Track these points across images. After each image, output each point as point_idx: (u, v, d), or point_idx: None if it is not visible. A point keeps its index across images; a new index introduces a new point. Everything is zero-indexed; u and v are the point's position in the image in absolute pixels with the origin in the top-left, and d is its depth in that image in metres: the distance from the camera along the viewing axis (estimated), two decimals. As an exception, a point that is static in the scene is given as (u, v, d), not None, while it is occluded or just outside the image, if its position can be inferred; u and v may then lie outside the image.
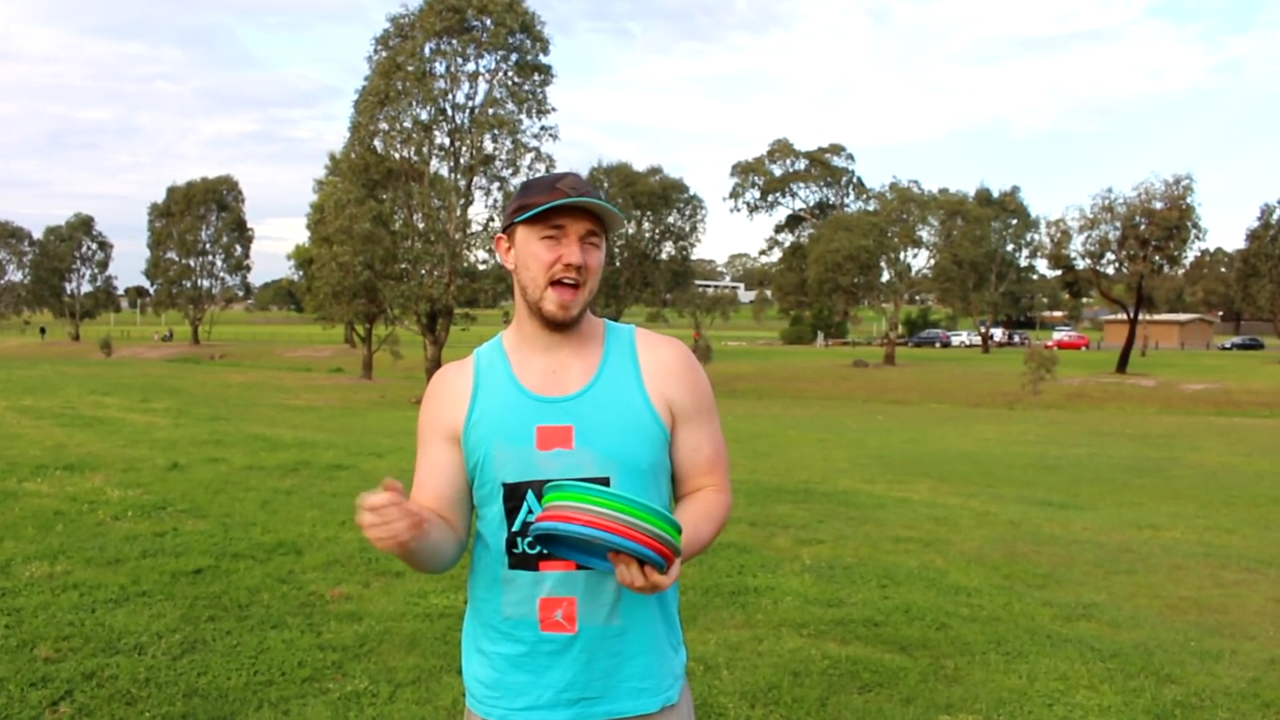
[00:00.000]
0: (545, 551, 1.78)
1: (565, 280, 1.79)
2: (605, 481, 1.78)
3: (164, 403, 22.01)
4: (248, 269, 76.36)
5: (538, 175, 1.86)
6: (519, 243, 1.84)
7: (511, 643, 1.84)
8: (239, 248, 74.46)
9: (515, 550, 1.81)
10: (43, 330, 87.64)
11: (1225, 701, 4.29)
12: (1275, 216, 61.04)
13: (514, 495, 1.80)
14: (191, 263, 72.34)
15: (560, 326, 1.83)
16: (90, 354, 61.52)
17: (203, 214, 71.92)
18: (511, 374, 1.87)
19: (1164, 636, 5.29)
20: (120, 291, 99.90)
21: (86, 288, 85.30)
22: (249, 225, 74.67)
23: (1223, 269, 73.99)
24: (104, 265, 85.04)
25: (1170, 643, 5.17)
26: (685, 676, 1.96)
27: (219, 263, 73.85)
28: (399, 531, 1.62)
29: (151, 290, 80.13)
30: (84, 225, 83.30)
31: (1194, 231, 49.59)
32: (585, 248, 1.80)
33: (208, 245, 72.74)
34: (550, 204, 1.76)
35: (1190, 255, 57.63)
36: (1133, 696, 4.32)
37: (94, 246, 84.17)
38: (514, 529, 1.80)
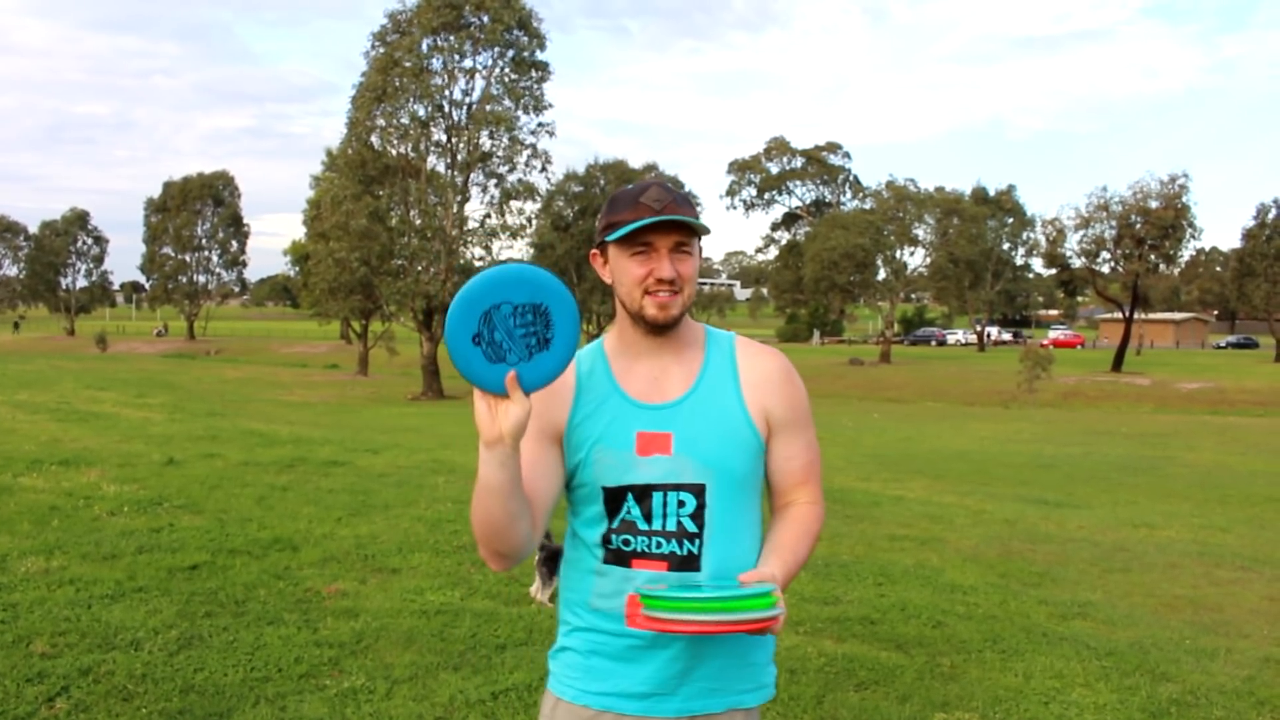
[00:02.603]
0: (641, 550, 1.85)
1: (659, 292, 1.82)
2: (701, 488, 1.83)
3: (160, 398, 21.98)
4: (244, 265, 76.21)
5: (625, 188, 1.88)
6: (612, 259, 1.87)
7: (595, 633, 1.89)
8: (235, 243, 74.23)
9: (610, 546, 1.86)
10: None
11: (1220, 699, 4.31)
12: (1271, 216, 61.04)
13: (614, 498, 1.86)
14: (187, 258, 72.13)
15: (662, 329, 1.86)
16: (85, 349, 61.42)
17: (199, 209, 71.64)
18: (613, 379, 1.90)
19: (1159, 635, 5.31)
20: (116, 287, 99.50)
21: (82, 283, 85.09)
22: (245, 221, 74.55)
23: (1218, 268, 74.09)
24: (99, 260, 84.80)
25: (1165, 641, 5.19)
26: (768, 689, 1.97)
27: (215, 258, 73.67)
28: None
29: (147, 285, 79.92)
30: (79, 220, 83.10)
31: (1189, 231, 49.63)
32: (676, 258, 1.82)
33: (204, 241, 72.47)
34: (634, 225, 1.79)
35: (1186, 254, 57.71)
36: (1128, 694, 4.33)
37: (89, 241, 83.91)
38: (612, 526, 1.86)
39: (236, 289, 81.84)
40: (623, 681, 1.87)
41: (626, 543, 1.85)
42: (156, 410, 17.74)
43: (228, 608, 5.08)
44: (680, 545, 1.83)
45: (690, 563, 1.83)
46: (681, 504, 1.84)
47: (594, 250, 1.93)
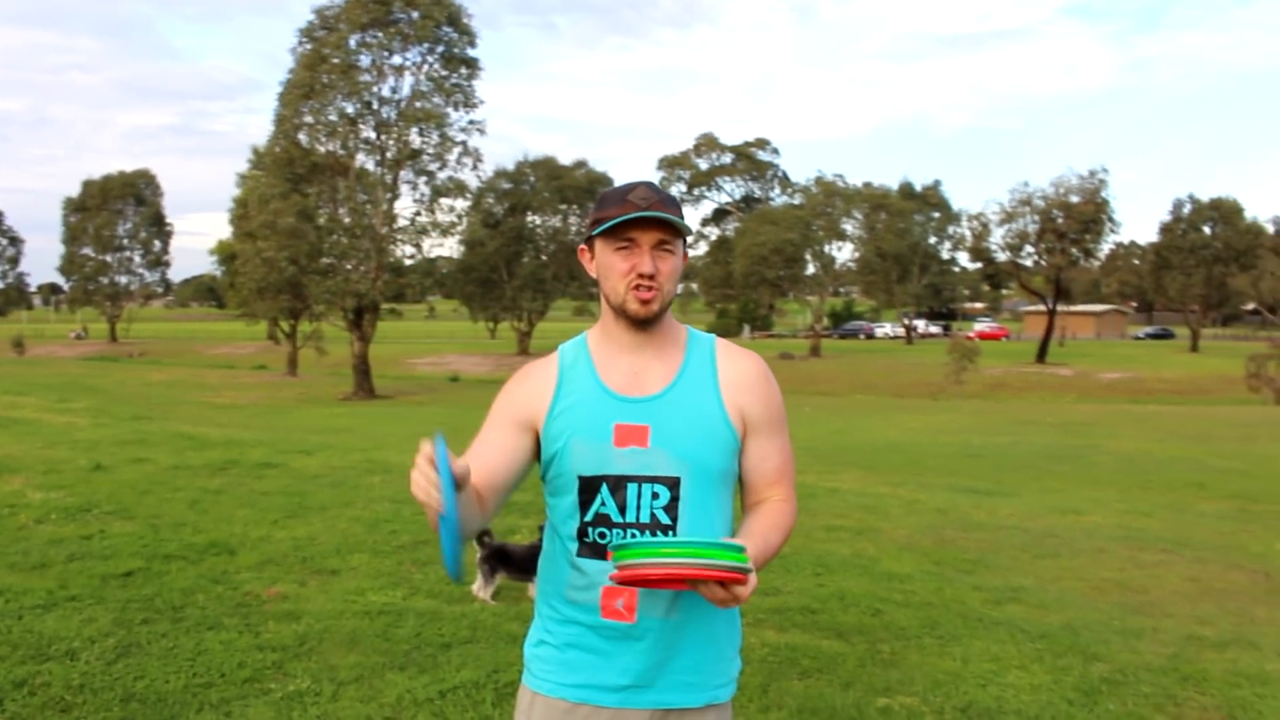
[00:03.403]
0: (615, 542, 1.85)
1: (642, 286, 1.88)
2: (676, 481, 1.87)
3: (83, 402, 21.42)
4: (167, 265, 74.68)
5: (615, 187, 1.96)
6: (598, 254, 1.93)
7: (571, 625, 1.92)
8: (158, 243, 72.70)
9: (586, 539, 1.89)
10: None
11: (1148, 676, 4.46)
12: (1186, 210, 62.91)
13: (588, 488, 1.89)
14: (109, 259, 70.47)
15: (644, 324, 1.92)
16: (1, 353, 59.65)
17: (120, 209, 70.05)
18: (595, 372, 1.95)
19: (1089, 617, 5.47)
20: (33, 288, 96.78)
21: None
22: (168, 220, 73.02)
23: (1136, 261, 76.10)
24: (15, 261, 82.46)
25: (1095, 622, 5.35)
26: (737, 683, 2.04)
27: (137, 259, 72.04)
28: (433, 501, 1.63)
29: (66, 287, 77.89)
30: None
31: (1109, 225, 50.99)
32: (657, 255, 1.88)
33: (125, 241, 70.91)
34: (619, 219, 1.85)
35: (1105, 248, 59.22)
36: (1061, 674, 4.46)
37: (4, 242, 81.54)
38: (586, 519, 1.89)
39: (160, 290, 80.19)
40: (599, 674, 1.90)
41: (602, 535, 1.88)
42: (80, 415, 17.29)
43: (165, 614, 5.00)
44: (654, 537, 1.85)
45: None
46: (656, 496, 1.87)
47: (582, 246, 1.99)
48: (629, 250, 1.88)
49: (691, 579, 1.67)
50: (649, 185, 1.90)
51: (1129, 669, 4.56)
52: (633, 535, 1.87)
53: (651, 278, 1.87)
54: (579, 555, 1.90)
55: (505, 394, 2.00)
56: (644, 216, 1.85)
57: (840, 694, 4.17)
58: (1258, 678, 4.51)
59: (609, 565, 1.85)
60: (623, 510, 1.88)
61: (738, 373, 1.99)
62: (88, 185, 69.89)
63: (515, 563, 5.32)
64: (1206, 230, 62.61)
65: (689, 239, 1.96)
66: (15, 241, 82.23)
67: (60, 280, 79.19)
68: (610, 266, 1.90)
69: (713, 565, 1.64)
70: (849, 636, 4.96)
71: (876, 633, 5.03)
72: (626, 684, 1.89)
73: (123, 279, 71.84)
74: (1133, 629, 5.25)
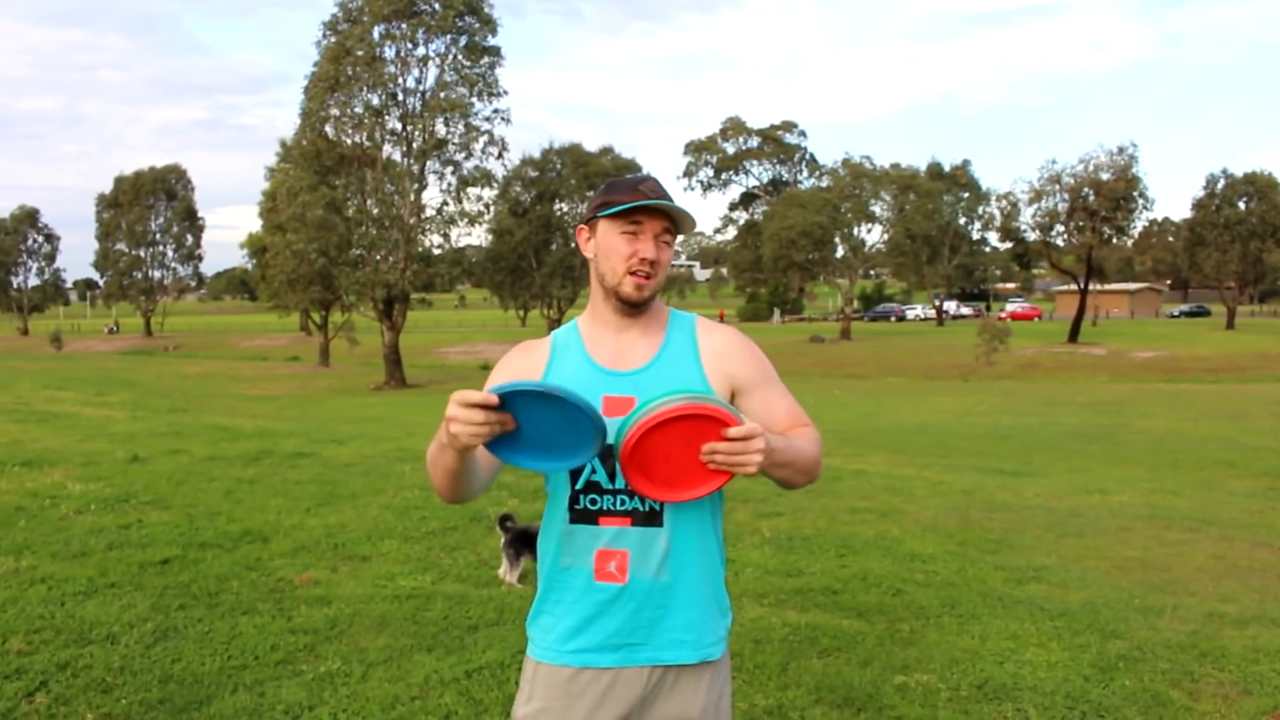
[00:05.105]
0: (606, 508, 1.97)
1: (640, 271, 1.99)
2: None
3: (120, 395, 21.79)
4: (199, 259, 75.46)
5: (622, 176, 2.13)
6: (600, 234, 2.04)
7: (566, 590, 2.02)
8: (190, 237, 73.50)
9: (577, 506, 2.00)
10: None
11: (1166, 653, 4.49)
12: (1219, 186, 62.00)
13: None
14: (142, 254, 71.34)
15: (634, 307, 2.03)
16: (40, 348, 60.53)
17: (151, 204, 70.89)
18: (584, 350, 2.07)
19: (1110, 595, 5.50)
20: (69, 284, 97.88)
21: (34, 281, 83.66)
22: (200, 214, 73.78)
23: (1170, 238, 75.14)
24: (51, 258, 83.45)
25: (1116, 601, 5.38)
26: (727, 640, 2.12)
27: (170, 253, 72.89)
28: (478, 436, 1.72)
29: (101, 283, 78.84)
30: (29, 217, 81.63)
31: (1141, 202, 50.30)
32: (659, 244, 2.01)
33: (158, 235, 71.74)
34: (633, 204, 1.97)
35: (1138, 225, 58.50)
36: (1079, 652, 4.51)
37: (40, 239, 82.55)
38: (578, 486, 1.99)
39: (193, 284, 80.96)
40: (596, 636, 1.99)
41: (594, 501, 1.99)
42: (117, 408, 17.60)
43: (201, 600, 5.14)
44: (643, 502, 1.96)
45: (653, 518, 1.97)
46: None
47: (581, 225, 2.09)
48: (634, 236, 2.00)
49: (695, 414, 1.75)
50: (656, 180, 2.03)
51: (1147, 646, 4.60)
52: (622, 501, 1.98)
53: (653, 264, 2.00)
54: (571, 522, 2.01)
55: (503, 365, 2.12)
56: (656, 206, 1.97)
57: (858, 672, 4.25)
58: (1277, 653, 4.54)
59: (600, 530, 1.97)
60: (612, 477, 1.98)
61: (717, 344, 2.10)
62: (120, 181, 70.71)
63: (540, 546, 5.41)
64: (1241, 205, 61.68)
65: (694, 230, 2.05)
66: (51, 238, 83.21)
67: (95, 276, 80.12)
68: (613, 248, 2.01)
69: (707, 402, 1.75)
70: (869, 616, 5.03)
71: (897, 612, 5.09)
72: (621, 643, 1.99)
73: (156, 273, 72.73)
74: (1153, 606, 5.27)
